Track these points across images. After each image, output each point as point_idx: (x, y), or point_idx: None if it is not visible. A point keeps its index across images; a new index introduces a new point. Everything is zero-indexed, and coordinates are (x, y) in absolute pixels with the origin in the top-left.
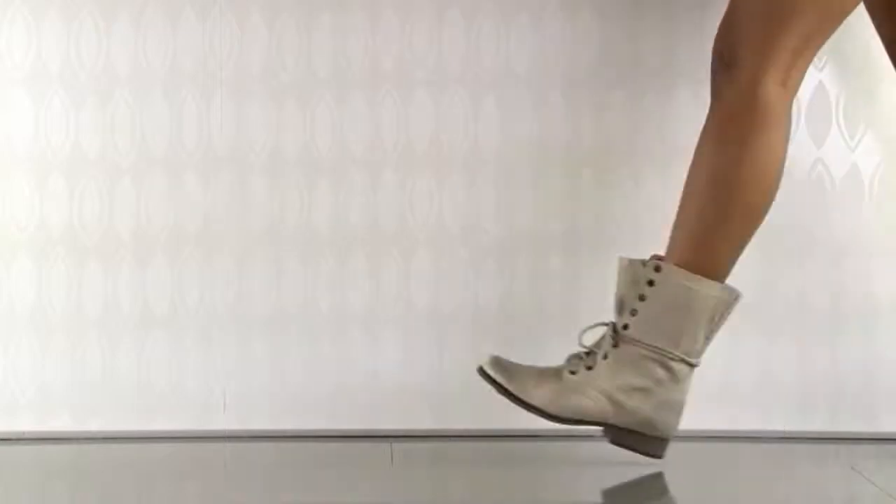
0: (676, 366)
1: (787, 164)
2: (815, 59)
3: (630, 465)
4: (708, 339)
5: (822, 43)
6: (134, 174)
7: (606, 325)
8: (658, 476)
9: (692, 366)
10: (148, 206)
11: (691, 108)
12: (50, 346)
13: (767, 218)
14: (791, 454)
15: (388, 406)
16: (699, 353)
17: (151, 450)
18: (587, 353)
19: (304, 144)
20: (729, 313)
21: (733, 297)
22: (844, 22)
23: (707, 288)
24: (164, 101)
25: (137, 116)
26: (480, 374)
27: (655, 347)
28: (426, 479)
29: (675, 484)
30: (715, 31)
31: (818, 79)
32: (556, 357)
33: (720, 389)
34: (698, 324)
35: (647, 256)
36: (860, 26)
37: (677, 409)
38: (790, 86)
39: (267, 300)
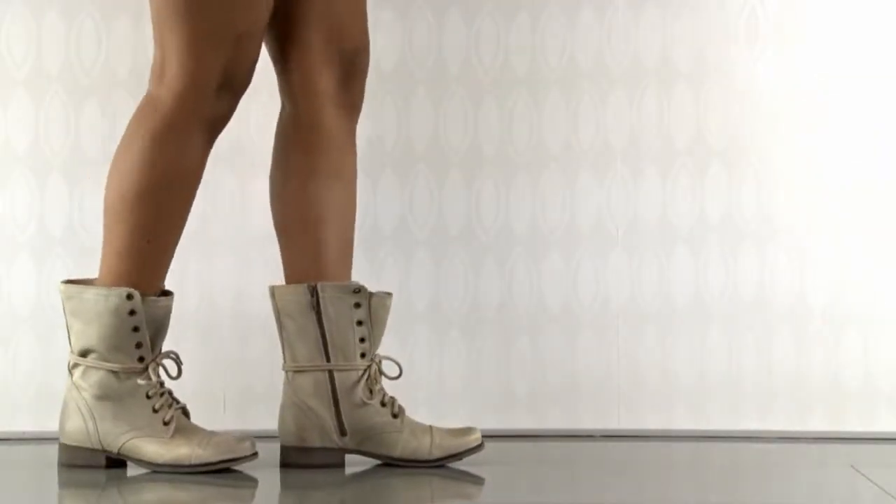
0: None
1: (792, 165)
2: None
3: (631, 465)
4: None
5: None
6: None
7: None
8: (657, 476)
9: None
10: None
11: (691, 108)
12: (50, 345)
13: (768, 219)
14: (791, 454)
15: None
16: None
17: None
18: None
19: None
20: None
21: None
22: None
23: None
24: None
25: None
26: None
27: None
28: (426, 478)
29: (676, 484)
30: (713, 32)
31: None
32: (554, 356)
33: (720, 390)
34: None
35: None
36: None
37: None
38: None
39: (267, 300)
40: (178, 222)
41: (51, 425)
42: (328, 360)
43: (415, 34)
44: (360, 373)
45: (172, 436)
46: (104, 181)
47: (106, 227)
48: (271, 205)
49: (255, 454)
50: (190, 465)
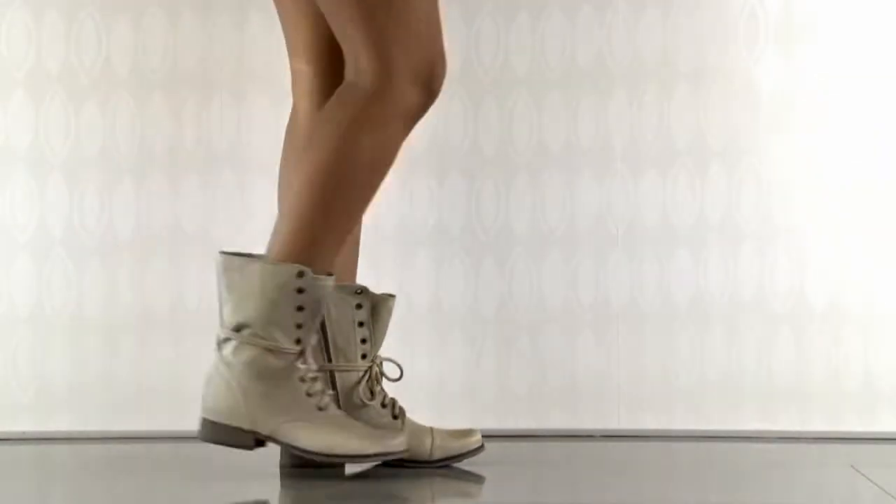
0: None
1: (792, 165)
2: None
3: (631, 465)
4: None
5: None
6: (134, 174)
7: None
8: (657, 476)
9: None
10: (148, 206)
11: (691, 108)
12: (50, 346)
13: (768, 219)
14: (791, 454)
15: None
16: None
17: (152, 449)
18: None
19: None
20: None
21: None
22: None
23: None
24: (164, 101)
25: (137, 116)
26: None
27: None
28: (426, 478)
29: (676, 484)
30: (713, 32)
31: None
32: (554, 356)
33: (720, 390)
34: None
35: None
36: None
37: None
38: None
39: None
40: (359, 209)
41: (51, 425)
42: (329, 360)
43: None
44: (361, 374)
45: (326, 422)
46: (104, 181)
47: (287, 204)
48: (278, 203)
49: (406, 450)
50: (344, 455)
